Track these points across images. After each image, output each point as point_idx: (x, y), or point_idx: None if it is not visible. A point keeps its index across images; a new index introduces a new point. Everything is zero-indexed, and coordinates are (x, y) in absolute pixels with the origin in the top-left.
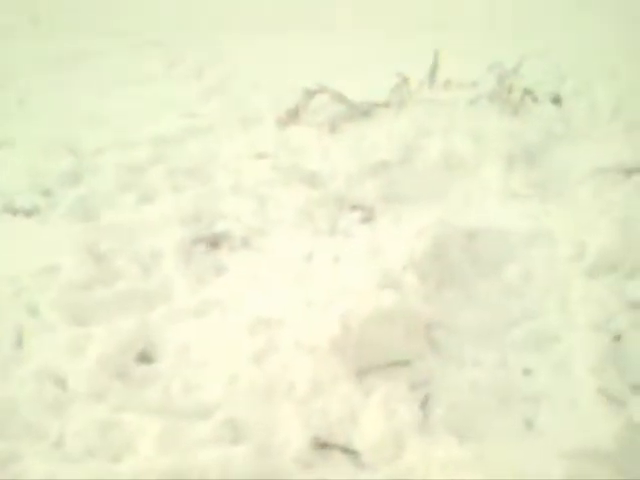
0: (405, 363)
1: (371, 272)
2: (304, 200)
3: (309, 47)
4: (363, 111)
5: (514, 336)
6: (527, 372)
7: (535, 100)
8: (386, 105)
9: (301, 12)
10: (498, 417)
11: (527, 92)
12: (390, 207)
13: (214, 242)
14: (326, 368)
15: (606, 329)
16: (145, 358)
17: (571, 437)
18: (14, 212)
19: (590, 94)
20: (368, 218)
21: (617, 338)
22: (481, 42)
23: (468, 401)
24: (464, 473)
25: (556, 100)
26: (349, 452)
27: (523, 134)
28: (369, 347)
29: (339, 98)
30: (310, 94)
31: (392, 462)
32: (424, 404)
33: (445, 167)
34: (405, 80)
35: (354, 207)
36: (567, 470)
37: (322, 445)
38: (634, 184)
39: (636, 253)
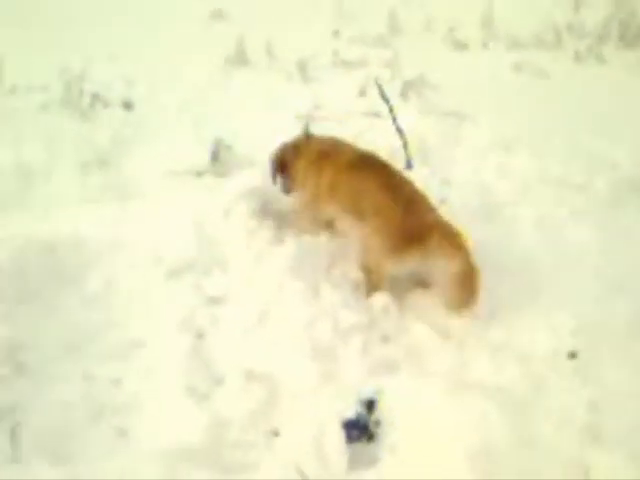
0: None
1: None
2: None
3: None
4: None
5: (101, 346)
6: (116, 382)
7: (106, 105)
8: None
9: None
10: (91, 431)
11: (96, 97)
12: None
13: None
14: None
15: (189, 328)
16: None
17: (164, 438)
18: None
19: (157, 98)
20: None
21: (199, 335)
22: (46, 46)
23: (59, 420)
24: None
25: (127, 105)
26: None
27: (95, 139)
28: None
29: None
30: None
31: None
32: (13, 432)
33: (18, 176)
34: None
35: None
36: (161, 471)
37: None
38: (205, 185)
39: (209, 252)
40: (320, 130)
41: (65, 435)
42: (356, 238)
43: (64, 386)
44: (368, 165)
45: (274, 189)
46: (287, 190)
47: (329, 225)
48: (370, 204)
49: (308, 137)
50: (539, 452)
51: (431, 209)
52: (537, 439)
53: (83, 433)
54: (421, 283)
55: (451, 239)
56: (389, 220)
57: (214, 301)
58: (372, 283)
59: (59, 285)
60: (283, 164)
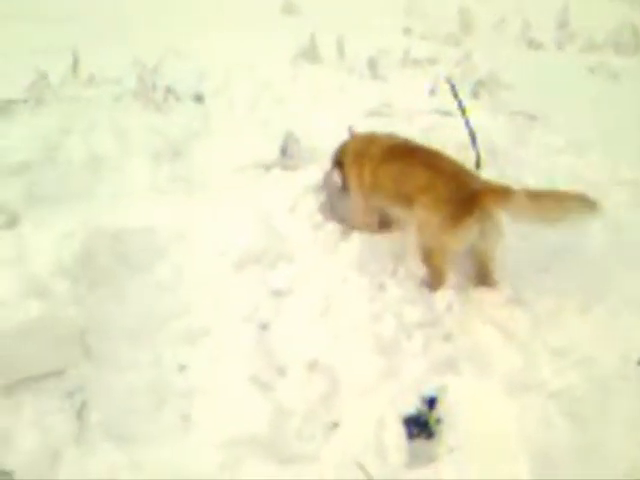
0: (58, 373)
1: (16, 280)
2: None
3: None
4: None
5: (167, 333)
6: (182, 368)
7: (178, 98)
8: (25, 102)
9: None
10: (155, 416)
11: (169, 90)
12: (34, 210)
13: None
14: None
15: (254, 318)
16: None
17: (226, 426)
18: None
19: (228, 92)
20: (11, 223)
21: (263, 326)
22: (122, 38)
23: (125, 404)
24: (121, 478)
25: (198, 98)
26: (1, 473)
27: (167, 131)
28: (16, 360)
29: None
30: None
31: (48, 478)
32: (80, 413)
33: (90, 166)
34: (44, 76)
35: None
36: (223, 458)
37: None
38: (273, 179)
39: (275, 245)
40: (388, 128)
41: (130, 418)
42: (410, 225)
43: (131, 371)
44: (403, 151)
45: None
46: (344, 189)
47: (386, 223)
48: (415, 185)
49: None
50: (602, 457)
51: (475, 177)
52: (601, 444)
53: (148, 417)
54: (484, 281)
55: (504, 194)
56: (439, 195)
57: (279, 293)
58: (435, 275)
59: (128, 273)
60: (339, 165)
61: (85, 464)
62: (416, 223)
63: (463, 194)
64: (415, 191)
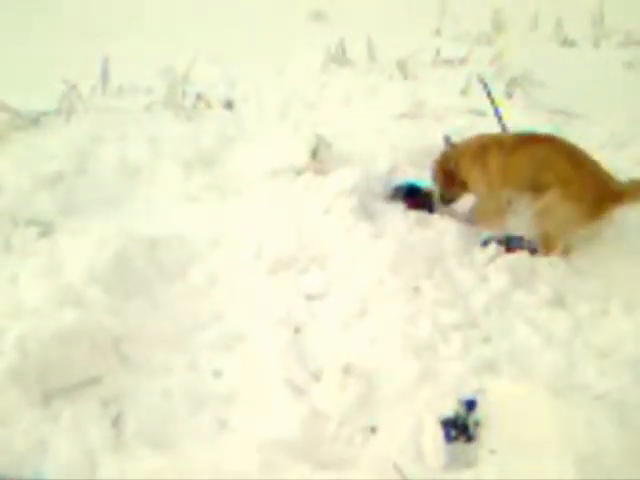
0: (94, 381)
1: (51, 290)
2: None
3: None
4: (31, 120)
5: (203, 339)
6: (217, 373)
7: (208, 105)
8: (56, 113)
9: None
10: (191, 421)
11: (199, 97)
12: (69, 219)
13: None
14: (5, 399)
15: (288, 322)
16: None
17: (262, 431)
18: None
19: (259, 97)
20: (46, 233)
21: (297, 330)
22: (151, 47)
23: (161, 409)
24: None
25: (229, 104)
26: None
27: (198, 138)
28: (52, 369)
29: (3, 107)
30: None
31: None
32: (116, 420)
33: (123, 175)
34: (74, 87)
35: (30, 222)
36: (260, 462)
37: None
38: (305, 183)
39: (309, 249)
40: (421, 129)
41: (167, 424)
42: (533, 210)
43: (166, 377)
44: (537, 141)
45: (373, 187)
46: (455, 198)
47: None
48: (554, 175)
49: (452, 145)
50: None
51: (609, 173)
52: None
53: (184, 422)
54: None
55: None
56: (582, 187)
57: (313, 297)
58: (549, 244)
59: (162, 280)
60: (448, 175)
61: (122, 470)
62: (543, 210)
63: (605, 189)
64: (552, 180)
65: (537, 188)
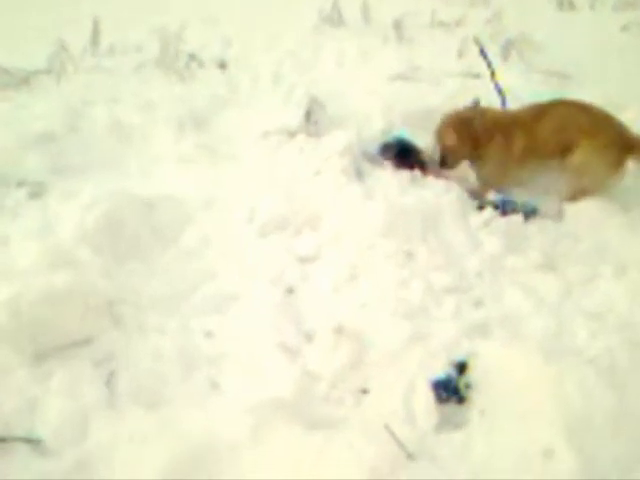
0: (87, 342)
1: (43, 251)
2: None
3: None
4: (21, 79)
5: (195, 300)
6: (209, 334)
7: (201, 65)
8: (46, 73)
9: None
10: (183, 382)
11: (192, 58)
12: (61, 180)
13: None
14: None
15: (280, 284)
16: None
17: (254, 391)
18: None
19: (252, 58)
20: (37, 193)
21: (290, 291)
22: (142, 7)
23: (153, 370)
24: (152, 442)
25: (222, 65)
26: (30, 441)
27: (190, 99)
28: (44, 330)
29: None
30: None
31: (77, 444)
32: (109, 380)
33: (114, 136)
34: (64, 47)
35: (20, 183)
36: (251, 423)
37: None
38: (298, 145)
39: (301, 212)
40: (415, 91)
41: (159, 384)
42: (568, 169)
43: (159, 338)
44: (554, 106)
45: (366, 149)
46: (456, 162)
47: None
48: (580, 132)
49: (477, 109)
50: None
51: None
52: None
53: (176, 383)
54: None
55: None
56: (607, 138)
57: (305, 259)
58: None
59: (155, 241)
60: (465, 136)
61: (115, 429)
62: (579, 165)
63: (623, 140)
64: (579, 139)
65: (566, 149)
